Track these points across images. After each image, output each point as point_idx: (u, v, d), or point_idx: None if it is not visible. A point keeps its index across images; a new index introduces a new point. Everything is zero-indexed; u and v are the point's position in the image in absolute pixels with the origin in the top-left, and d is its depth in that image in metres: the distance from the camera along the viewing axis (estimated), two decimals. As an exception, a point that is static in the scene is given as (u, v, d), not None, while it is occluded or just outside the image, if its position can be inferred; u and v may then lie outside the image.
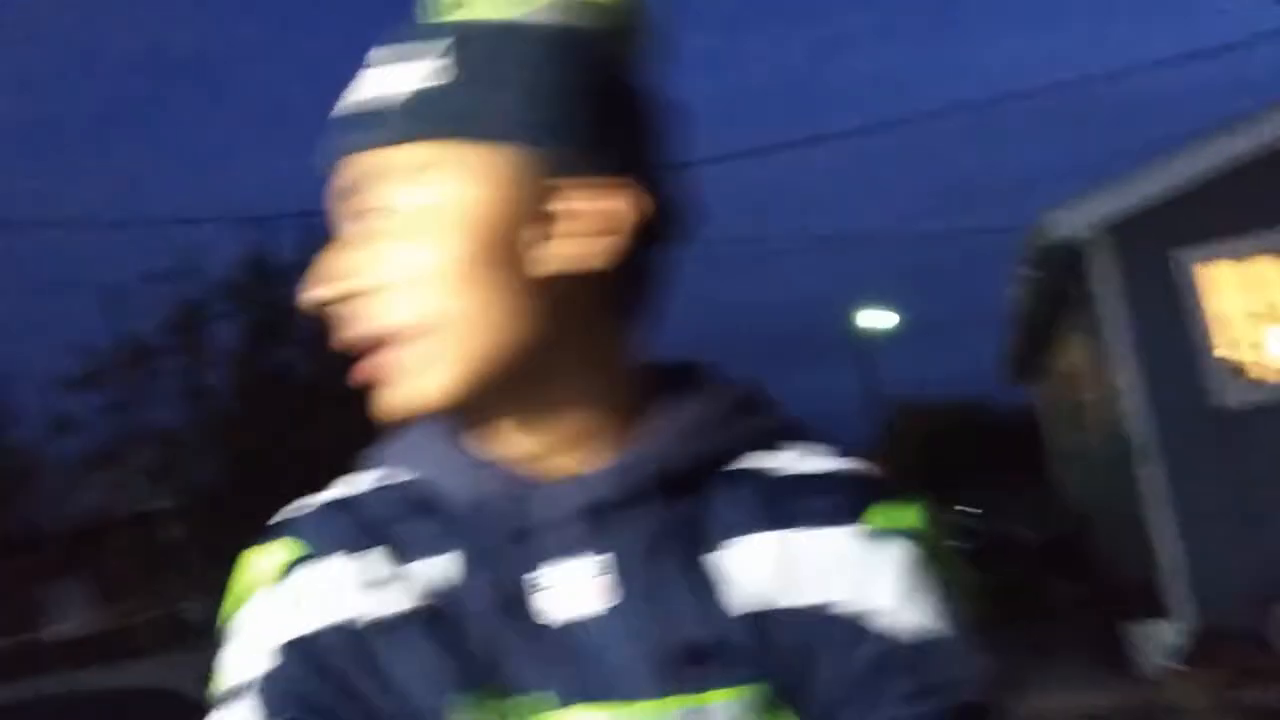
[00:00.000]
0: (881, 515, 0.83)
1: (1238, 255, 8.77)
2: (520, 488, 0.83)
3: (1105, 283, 8.96)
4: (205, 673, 0.91)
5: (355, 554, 0.84)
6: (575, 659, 0.79)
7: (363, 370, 0.82)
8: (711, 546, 0.82)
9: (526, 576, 0.81)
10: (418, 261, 0.79)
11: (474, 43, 0.82)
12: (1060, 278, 9.79)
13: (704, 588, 0.80)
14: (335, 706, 0.79)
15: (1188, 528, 8.58)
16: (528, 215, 0.80)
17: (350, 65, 0.86)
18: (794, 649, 0.79)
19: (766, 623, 0.79)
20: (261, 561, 0.87)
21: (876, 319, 27.22)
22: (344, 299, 0.82)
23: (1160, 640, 8.42)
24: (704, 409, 0.86)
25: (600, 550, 0.81)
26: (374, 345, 0.81)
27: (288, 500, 0.93)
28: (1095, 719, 7.63)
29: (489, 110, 0.80)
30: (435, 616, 0.81)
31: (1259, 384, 8.81)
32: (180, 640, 10.32)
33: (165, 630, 11.71)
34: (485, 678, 0.78)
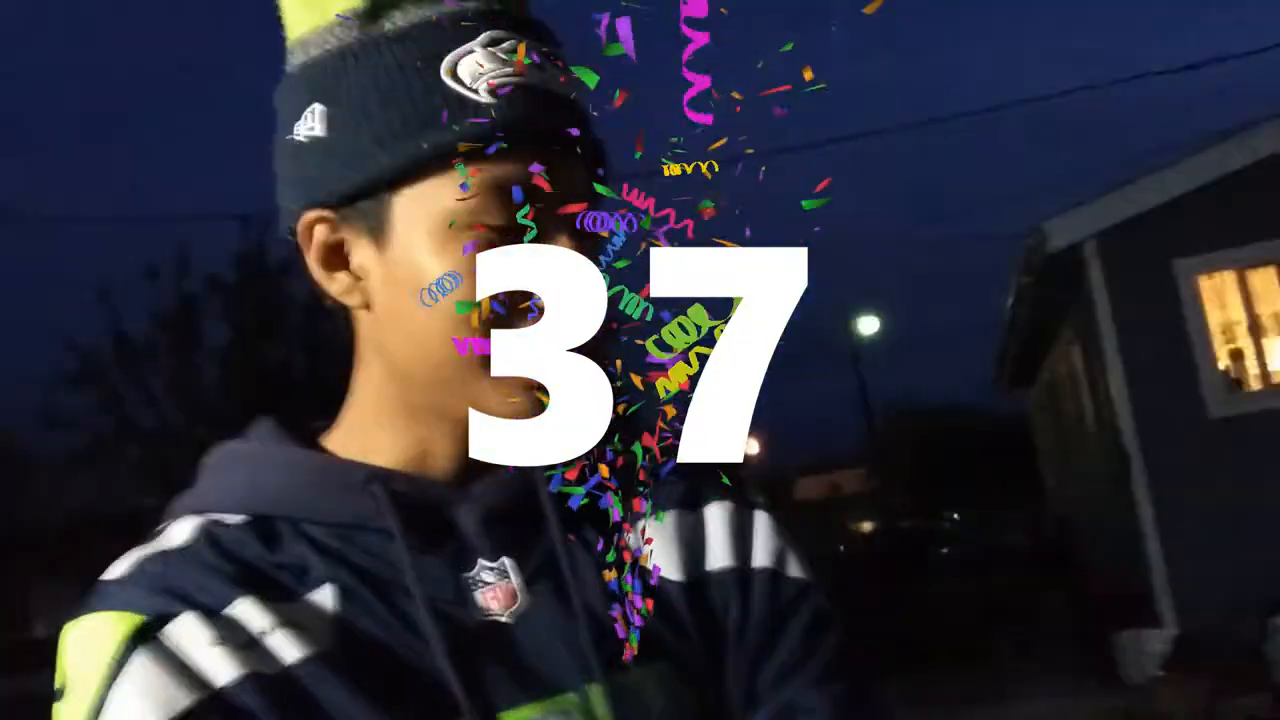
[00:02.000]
0: (745, 493, 0.92)
1: (1237, 265, 8.79)
2: (420, 500, 0.82)
3: (1101, 291, 8.97)
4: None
5: (211, 609, 0.76)
6: (501, 663, 0.79)
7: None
8: (611, 535, 0.83)
9: (438, 587, 0.80)
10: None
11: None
12: (1057, 286, 9.81)
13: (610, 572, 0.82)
14: None
15: (1176, 537, 8.60)
16: None
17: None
18: (705, 613, 0.85)
19: (676, 596, 0.85)
20: (97, 637, 0.76)
21: (870, 325, 27.28)
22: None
23: (1147, 648, 8.43)
24: None
25: (507, 554, 0.83)
26: None
27: None
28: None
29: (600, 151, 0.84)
30: (346, 649, 0.77)
31: (1254, 394, 8.83)
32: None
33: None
34: (421, 701, 0.76)
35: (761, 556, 0.88)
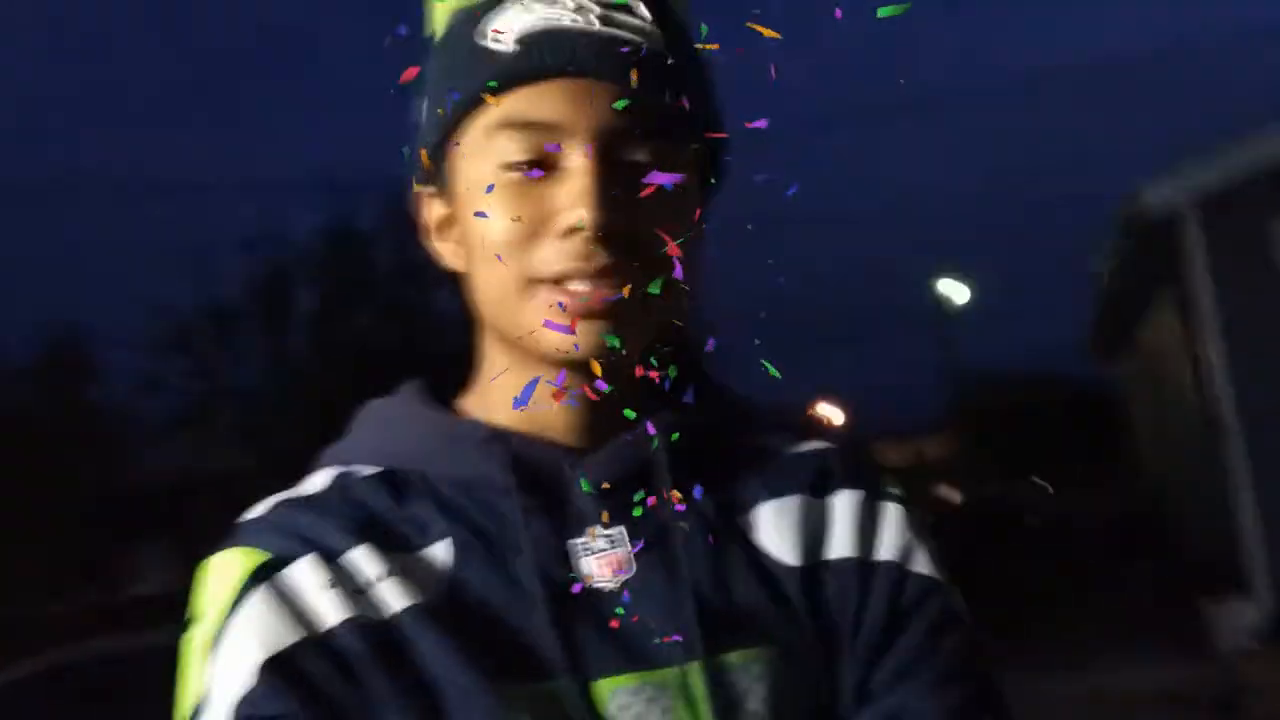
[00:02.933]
0: (878, 482, 0.90)
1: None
2: (536, 462, 0.84)
3: (1200, 257, 8.75)
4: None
5: (331, 554, 0.80)
6: (602, 630, 0.79)
7: (592, 302, 0.80)
8: (729, 514, 0.86)
9: (548, 550, 0.81)
10: (674, 229, 0.81)
11: (672, 21, 0.85)
12: (1151, 250, 9.59)
13: (724, 554, 0.84)
14: None
15: (1269, 506, 8.39)
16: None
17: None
18: (820, 602, 0.83)
19: (790, 582, 0.84)
20: (226, 570, 0.81)
21: (956, 288, 26.86)
22: (617, 234, 0.79)
23: (1240, 619, 8.27)
24: (697, 394, 0.88)
25: (619, 521, 0.83)
26: (605, 282, 0.80)
27: None
28: (1173, 698, 7.53)
29: (703, 100, 0.85)
30: (454, 603, 0.79)
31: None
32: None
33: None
34: (519, 660, 0.78)
35: (888, 550, 0.86)
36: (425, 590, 0.79)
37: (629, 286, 0.80)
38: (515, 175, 0.81)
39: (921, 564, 0.86)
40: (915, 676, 0.81)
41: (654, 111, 0.81)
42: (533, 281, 0.81)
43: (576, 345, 0.80)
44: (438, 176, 0.87)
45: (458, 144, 0.84)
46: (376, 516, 0.83)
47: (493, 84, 0.81)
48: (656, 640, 0.79)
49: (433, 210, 0.90)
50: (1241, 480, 8.60)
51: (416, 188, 0.90)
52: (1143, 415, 15.27)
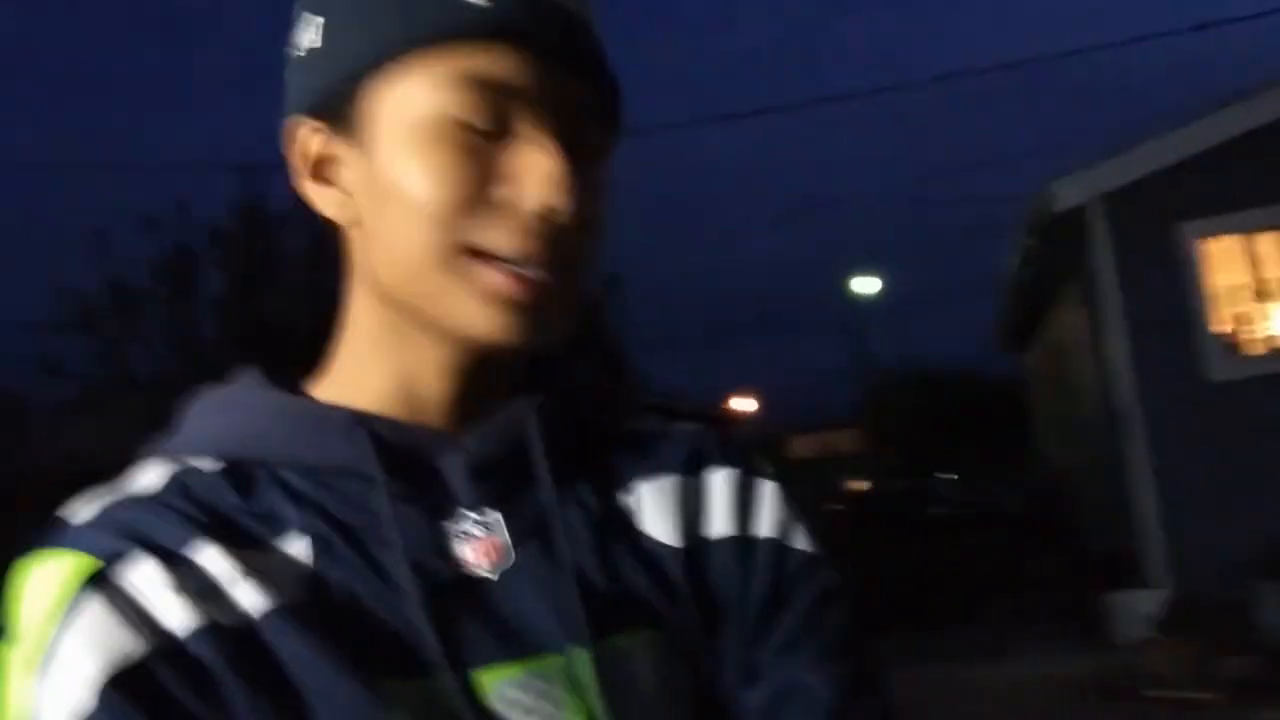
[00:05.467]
0: (752, 460, 0.88)
1: (1238, 229, 8.78)
2: (405, 446, 0.78)
3: (1104, 253, 8.97)
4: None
5: (174, 556, 0.72)
6: (482, 620, 0.75)
7: (533, 290, 0.75)
8: (607, 497, 0.83)
9: (419, 539, 0.76)
10: (603, 209, 0.79)
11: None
12: (1058, 248, 9.81)
13: (604, 537, 0.80)
14: None
15: (1169, 498, 8.65)
16: None
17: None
18: (704, 582, 0.81)
19: (673, 563, 0.81)
20: (52, 577, 0.72)
21: (867, 285, 27.25)
22: (560, 217, 0.75)
23: (1139, 609, 8.50)
24: (575, 378, 0.87)
25: (495, 507, 0.79)
26: (550, 269, 0.76)
27: None
28: (1073, 687, 7.72)
29: (619, 88, 0.81)
30: (317, 602, 0.73)
31: (1251, 358, 8.85)
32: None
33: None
34: (393, 657, 0.72)
35: (767, 527, 0.84)
36: (284, 590, 0.72)
37: (562, 277, 0.76)
38: (464, 135, 0.75)
39: (800, 540, 0.85)
40: (801, 651, 0.80)
41: (611, 99, 0.79)
42: (462, 250, 0.75)
43: (497, 332, 0.75)
44: (338, 112, 0.78)
45: (386, 88, 0.76)
46: (223, 514, 0.75)
47: (465, 32, 0.74)
48: (539, 626, 0.75)
49: (311, 145, 0.80)
50: (1142, 473, 8.84)
51: (295, 117, 0.80)
52: (1048, 409, 15.62)
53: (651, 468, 0.85)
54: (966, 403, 27.18)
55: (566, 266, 0.76)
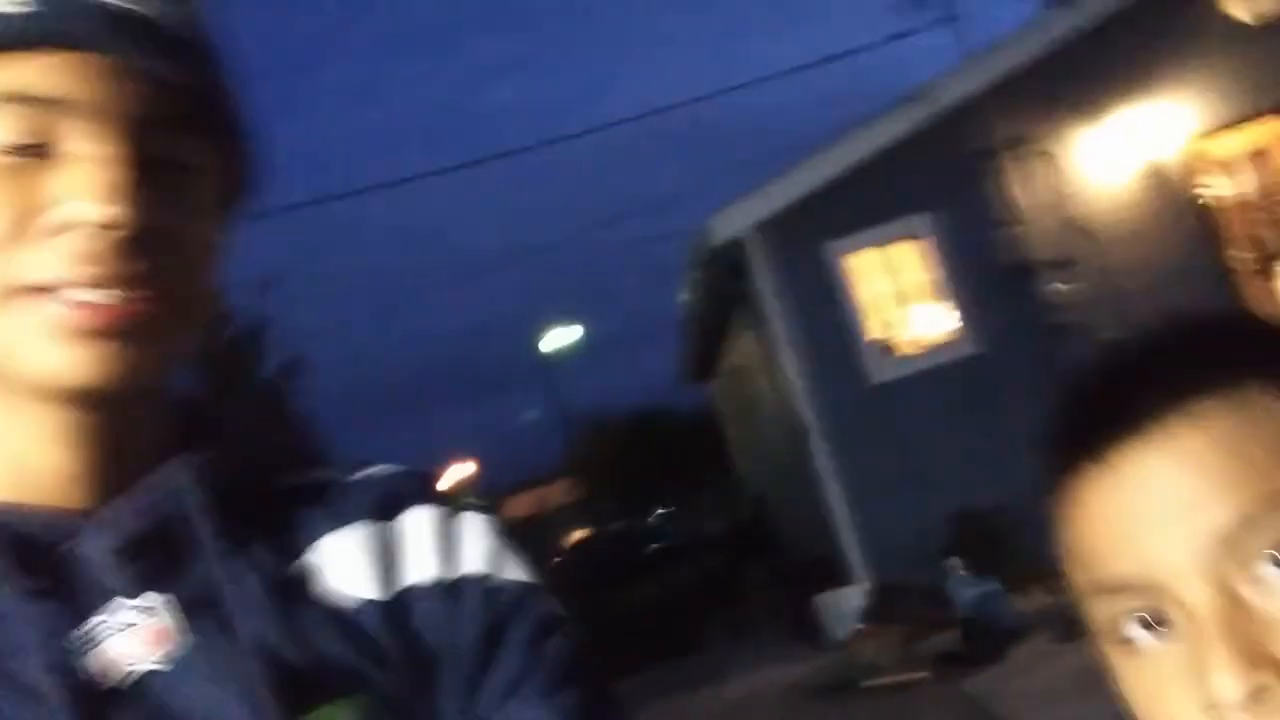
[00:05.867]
0: (443, 500, 0.82)
1: (878, 242, 9.51)
2: (28, 535, 0.69)
3: (764, 278, 9.51)
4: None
5: None
6: (155, 718, 0.67)
7: (99, 315, 0.67)
8: (288, 558, 0.75)
9: (63, 641, 0.67)
10: (196, 220, 0.71)
11: (197, 14, 0.74)
12: (725, 278, 10.29)
13: (289, 603, 0.73)
14: None
15: (857, 498, 9.22)
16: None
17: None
18: (409, 632, 0.75)
19: (370, 618, 0.74)
20: None
21: (562, 336, 27.62)
22: (131, 234, 0.67)
23: (846, 606, 8.97)
24: (231, 437, 0.80)
25: (156, 588, 0.70)
26: (128, 288, 0.68)
27: None
28: (798, 688, 8.05)
29: (225, 101, 0.74)
30: None
31: (905, 359, 9.57)
32: None
33: None
34: None
35: (472, 561, 0.78)
36: None
37: (145, 298, 0.68)
38: (2, 159, 0.66)
39: (512, 569, 0.79)
40: (524, 687, 0.74)
41: (181, 101, 0.70)
42: (16, 291, 0.66)
43: (78, 370, 0.66)
44: None
45: None
46: None
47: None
48: (221, 715, 0.67)
49: None
50: (828, 478, 9.38)
51: None
52: (739, 432, 16.26)
53: (337, 517, 0.77)
54: (666, 438, 27.94)
55: (147, 285, 0.68)
